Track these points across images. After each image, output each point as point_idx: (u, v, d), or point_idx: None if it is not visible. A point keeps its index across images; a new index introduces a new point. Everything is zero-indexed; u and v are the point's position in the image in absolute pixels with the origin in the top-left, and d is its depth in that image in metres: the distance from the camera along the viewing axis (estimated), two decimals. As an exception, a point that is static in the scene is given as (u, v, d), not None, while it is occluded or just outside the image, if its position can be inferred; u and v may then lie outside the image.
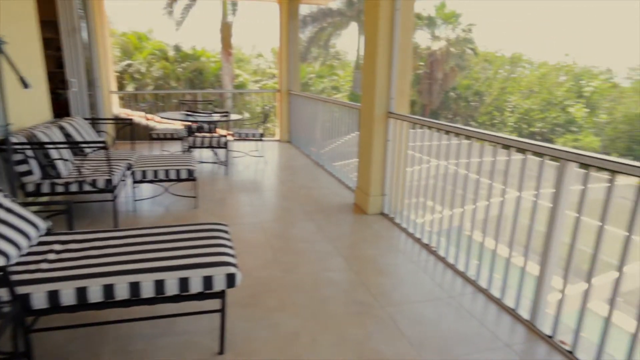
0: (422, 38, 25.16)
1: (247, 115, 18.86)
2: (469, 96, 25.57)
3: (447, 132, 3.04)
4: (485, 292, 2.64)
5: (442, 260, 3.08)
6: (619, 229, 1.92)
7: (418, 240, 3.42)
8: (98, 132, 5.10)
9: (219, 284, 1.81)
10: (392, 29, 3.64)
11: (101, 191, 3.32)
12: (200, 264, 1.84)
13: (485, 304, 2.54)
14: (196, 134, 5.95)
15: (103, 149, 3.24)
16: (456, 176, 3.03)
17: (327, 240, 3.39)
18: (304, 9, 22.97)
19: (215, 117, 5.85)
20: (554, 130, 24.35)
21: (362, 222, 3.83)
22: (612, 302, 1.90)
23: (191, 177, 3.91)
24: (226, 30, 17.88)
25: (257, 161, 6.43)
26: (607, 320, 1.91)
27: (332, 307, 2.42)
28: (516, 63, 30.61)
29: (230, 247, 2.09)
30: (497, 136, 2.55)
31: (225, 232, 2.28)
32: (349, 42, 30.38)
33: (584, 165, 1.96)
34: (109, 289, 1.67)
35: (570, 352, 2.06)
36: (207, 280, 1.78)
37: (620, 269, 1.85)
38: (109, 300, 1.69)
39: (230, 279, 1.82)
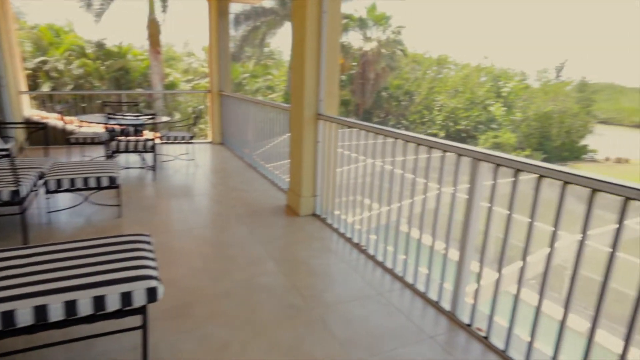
0: (354, 39, 25.79)
1: (177, 116, 18.15)
2: (400, 96, 26.65)
3: (376, 134, 3.14)
4: (412, 287, 2.76)
5: (372, 258, 3.18)
6: (527, 218, 2.09)
7: (349, 240, 3.50)
8: (3, 137, 4.63)
9: (138, 300, 1.71)
10: (319, 31, 3.68)
11: (6, 204, 3.02)
12: (117, 279, 1.74)
13: (411, 298, 2.66)
14: (120, 137, 5.61)
15: (5, 157, 2.94)
16: (383, 174, 3.13)
17: (259, 244, 3.36)
18: (236, 7, 22.54)
19: (141, 119, 5.55)
20: (477, 127, 26.11)
21: (295, 224, 3.84)
22: (518, 287, 2.07)
23: (114, 184, 3.68)
24: (154, 27, 17.06)
25: (187, 164, 6.21)
26: (515, 304, 2.08)
27: (264, 313, 2.40)
28: (442, 64, 32.40)
29: (152, 259, 1.99)
30: (419, 137, 2.67)
31: (147, 242, 2.18)
32: (284, 41, 30.36)
33: (496, 164, 2.11)
34: (8, 316, 1.51)
35: (486, 338, 2.22)
36: (125, 297, 1.69)
37: (524, 254, 2.02)
38: (10, 328, 1.54)
39: (151, 293, 1.74)
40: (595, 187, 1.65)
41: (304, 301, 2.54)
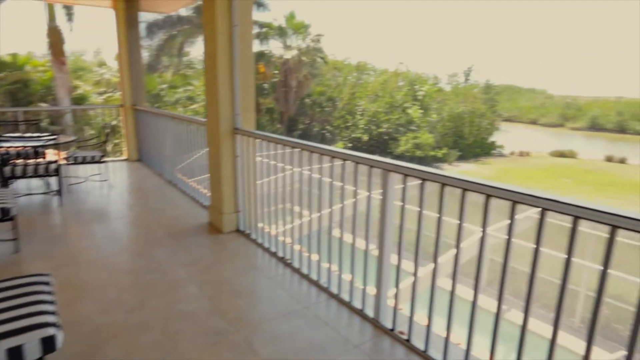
0: (275, 47, 25.86)
1: (90, 132, 16.84)
2: (323, 102, 27.16)
3: (292, 147, 3.14)
4: (337, 298, 2.79)
5: (297, 271, 3.17)
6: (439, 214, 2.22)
7: (274, 255, 3.46)
8: None
9: (31, 353, 1.53)
10: (231, 45, 3.62)
11: None
12: (4, 333, 1.54)
13: (337, 309, 2.69)
14: (17, 161, 5.06)
15: None
16: (304, 183, 3.15)
17: (180, 267, 3.20)
18: (150, 16, 21.53)
19: (41, 139, 5.06)
20: (398, 129, 27.40)
21: (218, 243, 3.72)
22: (432, 287, 2.18)
23: (6, 216, 3.30)
24: (55, 35, 15.73)
25: (100, 186, 5.77)
26: (431, 303, 2.19)
27: (185, 343, 2.28)
28: (362, 70, 33.65)
29: (50, 302, 1.80)
30: (335, 151, 2.71)
31: (46, 283, 1.96)
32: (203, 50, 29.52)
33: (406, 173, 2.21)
34: None
35: (408, 340, 2.31)
36: (15, 352, 1.50)
37: (435, 255, 2.14)
38: None
39: (48, 343, 1.57)
40: (489, 193, 1.79)
41: (229, 324, 2.46)
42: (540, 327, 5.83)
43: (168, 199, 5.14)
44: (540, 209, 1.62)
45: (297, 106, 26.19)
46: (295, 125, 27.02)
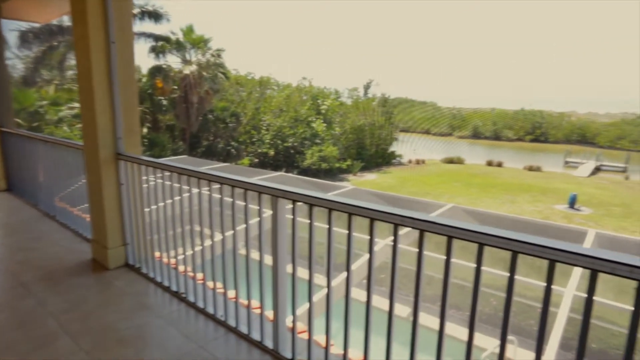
0: (173, 62, 24.77)
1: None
2: (227, 117, 26.62)
3: (179, 174, 2.94)
4: (235, 331, 2.64)
5: (193, 306, 2.96)
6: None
7: (167, 289, 3.20)
8: None
9: None
10: (108, 63, 3.30)
11: None
12: None
13: (236, 343, 2.54)
14: None
15: None
16: (200, 206, 2.95)
17: (51, 317, 2.79)
18: (23, 24, 19.21)
19: None
20: (303, 143, 27.88)
21: (102, 282, 3.33)
22: (328, 310, 2.16)
23: None
24: None
25: (-47, 224, 4.88)
26: (327, 325, 2.16)
27: (53, 411, 1.96)
28: (265, 85, 33.77)
29: None
30: (224, 177, 2.59)
31: None
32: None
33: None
34: None
35: (308, 369, 2.25)
36: None
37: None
38: None
39: None
40: (373, 217, 1.82)
41: (109, 379, 2.18)
42: (432, 322, 6.22)
43: (43, 233, 4.51)
44: (418, 230, 1.68)
45: (200, 122, 25.30)
46: (199, 142, 26.05)
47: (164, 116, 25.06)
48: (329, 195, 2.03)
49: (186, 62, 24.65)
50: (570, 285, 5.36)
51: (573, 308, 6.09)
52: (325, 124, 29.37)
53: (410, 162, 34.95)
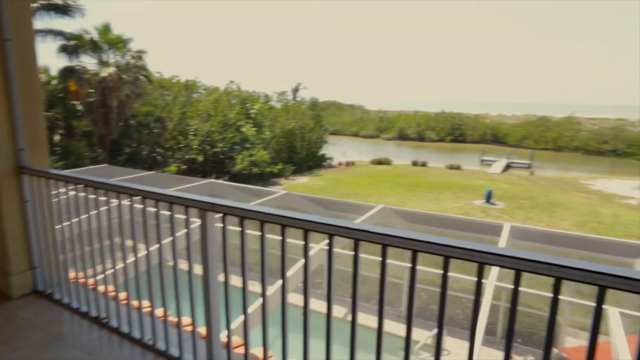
0: (88, 63, 22.95)
1: None
2: (151, 123, 25.24)
3: (95, 188, 2.67)
4: (166, 355, 2.45)
5: (116, 331, 2.70)
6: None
7: (85, 315, 2.90)
8: None
9: None
10: (3, 64, 2.93)
11: None
12: None
13: (165, 368, 2.36)
14: None
15: None
16: (111, 224, 2.71)
17: (-59, 360, 2.39)
18: None
19: None
20: (233, 148, 27.27)
21: (3, 315, 2.93)
22: (264, 325, 2.08)
23: None
24: None
25: None
26: (265, 341, 2.07)
27: None
28: (192, 89, 32.57)
29: None
30: (146, 191, 2.39)
31: None
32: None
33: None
34: None
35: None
36: None
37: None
38: None
39: None
40: (307, 228, 1.77)
41: None
42: (367, 319, 6.37)
43: None
44: (353, 239, 1.66)
45: (121, 128, 23.71)
46: (120, 150, 24.40)
47: (80, 122, 23.13)
48: (261, 207, 1.95)
49: (103, 63, 22.98)
50: (492, 277, 5.75)
51: (494, 296, 6.56)
52: (255, 128, 28.97)
53: (340, 164, 35.66)
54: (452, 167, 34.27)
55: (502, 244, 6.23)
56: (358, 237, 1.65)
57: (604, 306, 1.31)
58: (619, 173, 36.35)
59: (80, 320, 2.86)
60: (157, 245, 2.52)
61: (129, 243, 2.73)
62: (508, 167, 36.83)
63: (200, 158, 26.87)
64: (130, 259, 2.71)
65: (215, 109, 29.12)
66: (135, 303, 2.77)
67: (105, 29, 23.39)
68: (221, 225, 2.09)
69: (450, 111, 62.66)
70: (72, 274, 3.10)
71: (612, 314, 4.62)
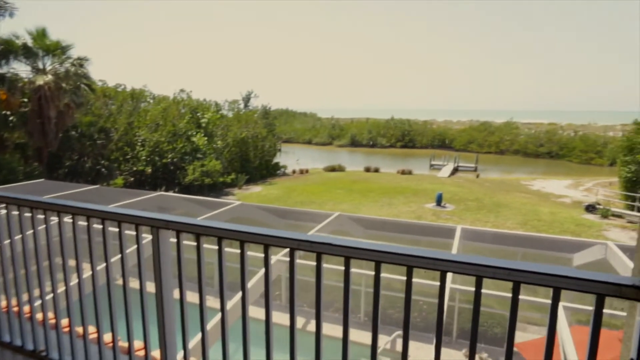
0: (21, 70, 21.43)
1: None
2: (94, 134, 23.95)
3: (32, 208, 2.45)
4: (115, 384, 2.28)
5: (59, 362, 2.48)
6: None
7: (20, 350, 2.62)
8: None
9: None
10: None
11: None
12: None
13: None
14: None
15: None
16: (51, 243, 2.49)
17: None
18: None
19: None
20: (184, 158, 26.48)
21: None
22: (223, 342, 1.98)
23: None
24: None
25: None
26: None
27: None
28: (139, 98, 31.31)
29: None
30: (90, 209, 2.22)
31: None
32: None
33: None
34: None
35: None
36: None
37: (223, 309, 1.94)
38: None
39: None
40: (268, 243, 1.71)
41: None
42: (334, 329, 6.36)
43: None
44: (315, 253, 1.63)
45: (60, 140, 22.28)
46: (60, 163, 22.93)
47: (12, 133, 21.50)
48: (218, 222, 1.87)
49: (39, 71, 21.56)
50: (447, 279, 5.93)
51: (450, 297, 6.76)
52: (206, 138, 28.30)
53: (294, 172, 35.64)
54: (403, 172, 35.27)
55: (455, 245, 6.46)
56: (320, 250, 1.62)
57: (547, 300, 1.36)
58: (554, 173, 39.10)
59: (13, 357, 2.60)
60: (104, 265, 2.35)
61: (71, 263, 2.52)
62: (456, 170, 38.47)
63: (149, 169, 25.83)
64: (73, 281, 2.51)
65: (164, 118, 28.16)
66: (79, 330, 2.55)
67: (40, 34, 21.98)
68: (175, 241, 1.98)
69: (399, 118, 64.64)
70: (3, 303, 2.82)
71: (559, 308, 4.88)
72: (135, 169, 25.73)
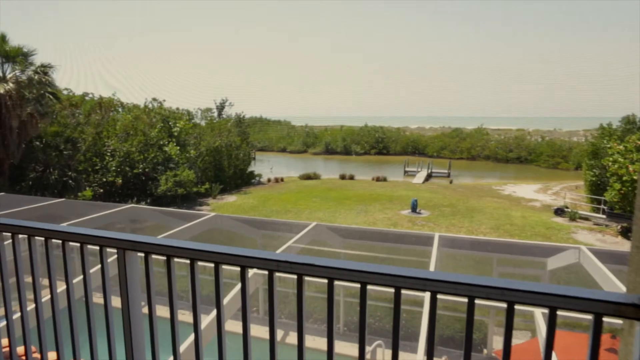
0: (-20, 79, 20.44)
1: None
2: (61, 144, 23.06)
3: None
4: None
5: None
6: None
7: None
8: None
9: None
10: None
11: None
12: None
13: None
14: None
15: None
16: (3, 263, 2.28)
17: None
18: None
19: None
20: (156, 169, 25.83)
21: None
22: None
23: None
24: None
25: None
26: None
27: None
28: (107, 107, 30.42)
29: None
30: (48, 230, 2.04)
31: None
32: None
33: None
34: None
35: None
36: None
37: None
38: None
39: None
40: (245, 264, 1.59)
41: None
42: (315, 342, 6.23)
43: None
44: (296, 275, 1.52)
45: (24, 151, 21.36)
46: (23, 175, 21.94)
47: (-29, 145, 20.45)
48: (191, 243, 1.73)
49: (-1, 79, 20.64)
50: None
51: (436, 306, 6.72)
52: (179, 147, 27.72)
53: (269, 180, 35.34)
54: (378, 179, 35.54)
55: (434, 252, 6.45)
56: (301, 271, 1.51)
57: (531, 308, 1.30)
58: (523, 178, 40.28)
59: (-33, 390, 2.36)
60: (65, 287, 2.16)
61: (29, 287, 2.32)
62: (429, 176, 39.06)
63: (119, 180, 25.04)
64: (30, 305, 2.30)
65: (135, 127, 27.42)
66: (36, 356, 2.34)
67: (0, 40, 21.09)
68: (144, 261, 1.83)
69: (373, 125, 65.32)
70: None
71: (537, 314, 4.93)
72: (104, 180, 24.90)
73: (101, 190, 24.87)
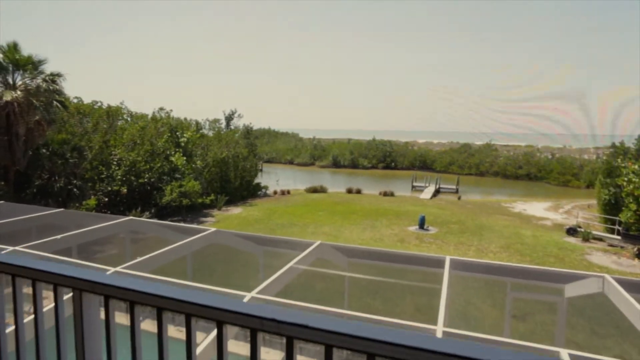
0: (-10, 86, 20.53)
1: None
2: (67, 152, 23.03)
3: None
4: None
5: None
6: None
7: None
8: None
9: None
10: None
11: None
12: None
13: None
14: None
15: None
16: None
17: None
18: None
19: None
20: (162, 178, 25.69)
21: None
22: None
23: None
24: None
25: None
26: None
27: None
28: (115, 115, 30.51)
29: None
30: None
31: None
32: None
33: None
34: None
35: None
36: None
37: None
38: None
39: None
40: (221, 319, 1.26)
41: None
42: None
43: None
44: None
45: (30, 158, 21.32)
46: (29, 182, 21.88)
47: (-24, 152, 20.47)
48: (159, 286, 1.41)
49: (8, 86, 20.73)
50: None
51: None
52: (185, 158, 27.61)
53: (275, 193, 35.05)
54: (385, 194, 35.09)
55: (445, 275, 6.06)
56: (292, 334, 1.17)
57: None
58: (533, 195, 39.58)
59: None
60: (12, 328, 1.84)
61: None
62: (437, 192, 38.53)
63: (124, 190, 24.92)
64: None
65: (142, 137, 27.39)
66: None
67: (11, 49, 21.25)
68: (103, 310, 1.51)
69: (381, 139, 65.04)
70: None
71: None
72: (110, 189, 24.78)
73: (106, 199, 24.74)
